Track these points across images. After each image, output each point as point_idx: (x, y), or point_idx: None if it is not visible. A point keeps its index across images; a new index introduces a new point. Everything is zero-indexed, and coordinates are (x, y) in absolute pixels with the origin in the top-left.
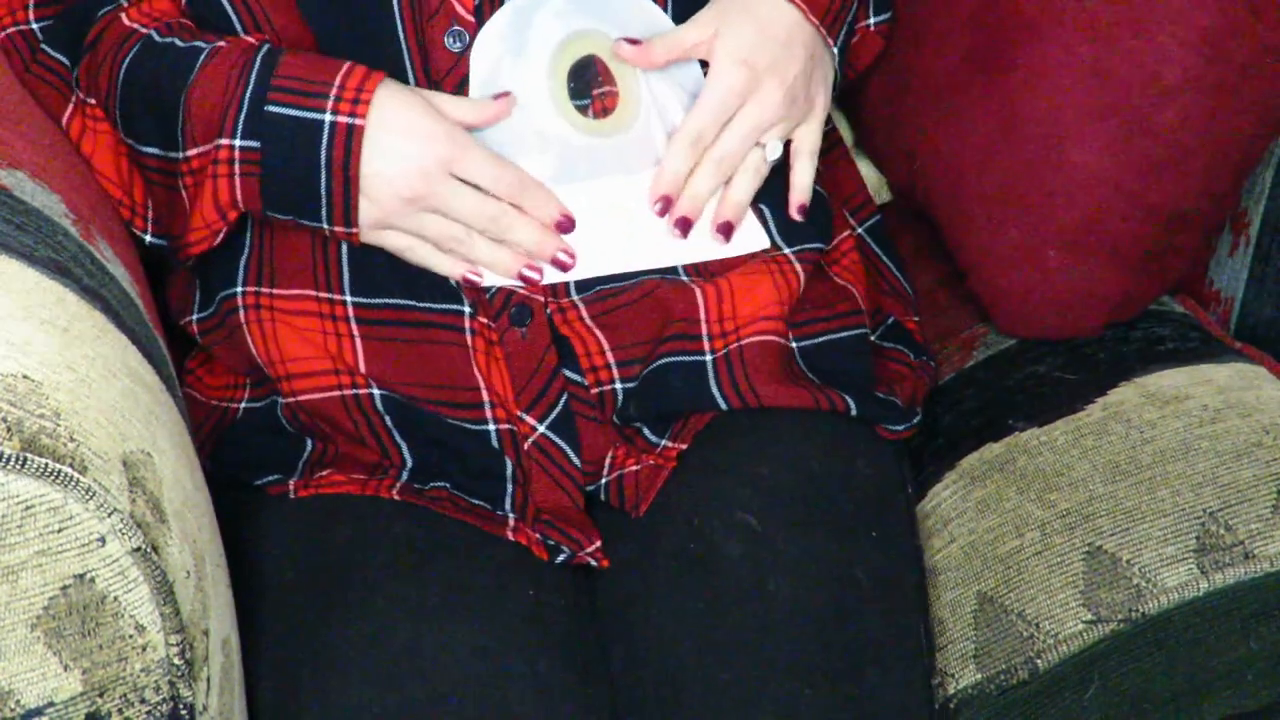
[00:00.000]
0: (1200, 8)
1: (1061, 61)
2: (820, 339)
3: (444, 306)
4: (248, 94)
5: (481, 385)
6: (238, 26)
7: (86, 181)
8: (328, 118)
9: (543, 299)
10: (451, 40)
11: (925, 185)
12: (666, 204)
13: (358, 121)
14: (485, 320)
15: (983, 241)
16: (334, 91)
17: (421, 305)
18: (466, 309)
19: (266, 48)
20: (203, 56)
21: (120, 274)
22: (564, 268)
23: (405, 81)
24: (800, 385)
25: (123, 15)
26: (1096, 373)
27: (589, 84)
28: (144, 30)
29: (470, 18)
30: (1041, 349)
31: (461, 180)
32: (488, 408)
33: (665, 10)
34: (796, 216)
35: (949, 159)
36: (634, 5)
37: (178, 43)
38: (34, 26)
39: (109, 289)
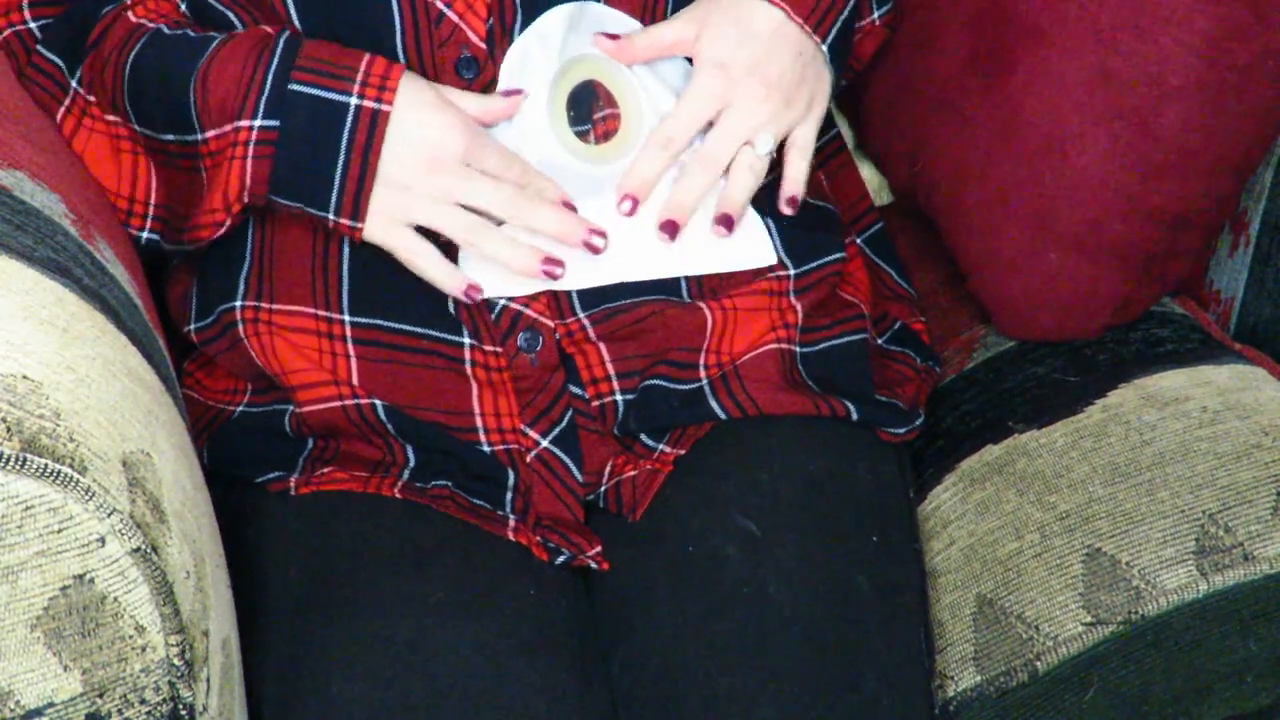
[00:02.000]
0: (1202, 10)
1: (1063, 64)
2: (821, 346)
3: (444, 335)
4: (270, 73)
5: (476, 412)
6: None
7: (86, 182)
8: (354, 100)
9: (552, 324)
10: (463, 69)
11: (926, 187)
12: (633, 204)
13: (384, 107)
14: (491, 349)
15: (984, 244)
16: (360, 76)
17: (420, 331)
18: (467, 340)
19: (288, 32)
20: (216, 42)
21: (120, 274)
22: (595, 250)
23: None
24: (800, 392)
25: (129, 13)
26: (1096, 374)
27: (589, 109)
28: (151, 25)
29: (482, 45)
30: (1041, 351)
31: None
32: (482, 432)
33: (666, 9)
34: (786, 210)
35: (950, 161)
36: (622, 27)
37: (189, 33)
38: (31, 26)
39: (109, 289)
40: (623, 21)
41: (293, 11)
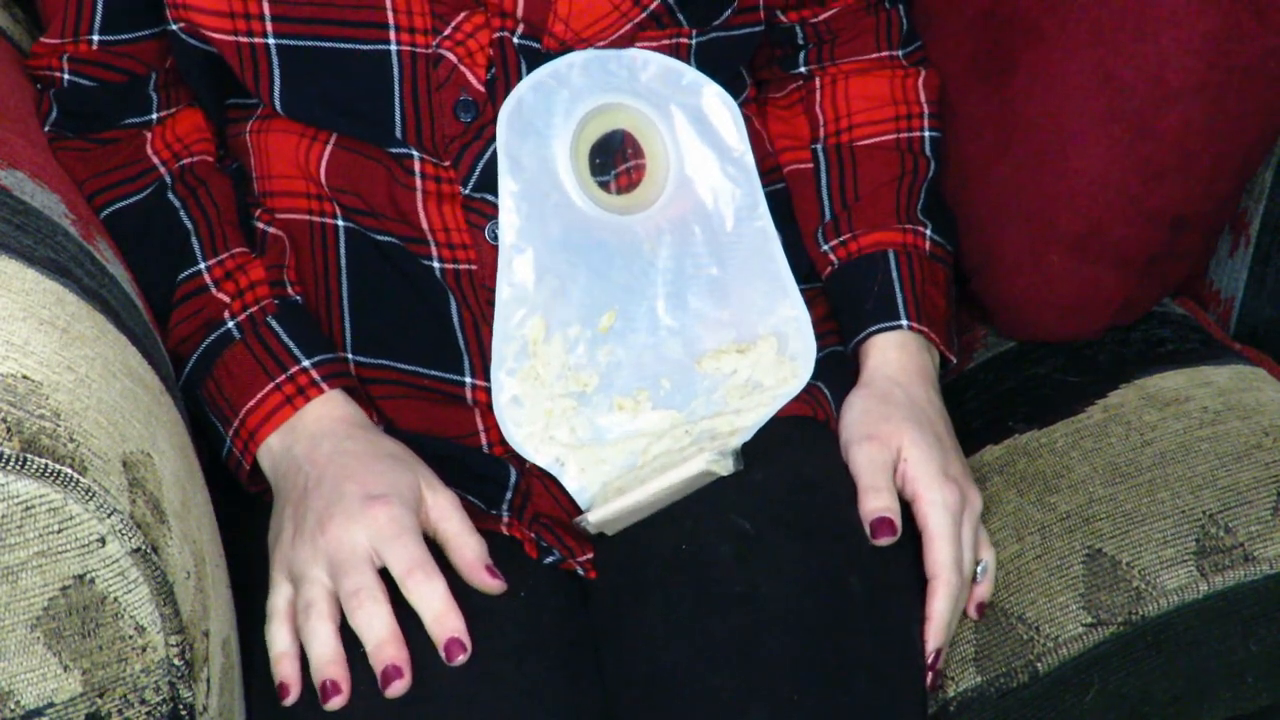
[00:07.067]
0: (1203, 12)
1: (1065, 66)
2: (823, 352)
3: (446, 375)
4: (184, 379)
5: (480, 428)
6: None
7: None
8: (229, 443)
9: None
10: (462, 111)
11: None
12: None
13: (245, 465)
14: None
15: (985, 245)
16: (235, 426)
17: (424, 371)
18: (468, 380)
19: (205, 347)
20: (178, 290)
21: (120, 274)
22: (384, 684)
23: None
24: (801, 399)
25: (148, 140)
26: (1096, 375)
27: (613, 159)
28: (160, 170)
29: (482, 89)
30: (1041, 351)
31: None
32: (486, 447)
33: (689, 61)
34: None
35: (951, 163)
36: (655, 66)
37: (174, 225)
38: (65, 78)
39: (109, 289)
40: (660, 60)
41: (272, 42)
